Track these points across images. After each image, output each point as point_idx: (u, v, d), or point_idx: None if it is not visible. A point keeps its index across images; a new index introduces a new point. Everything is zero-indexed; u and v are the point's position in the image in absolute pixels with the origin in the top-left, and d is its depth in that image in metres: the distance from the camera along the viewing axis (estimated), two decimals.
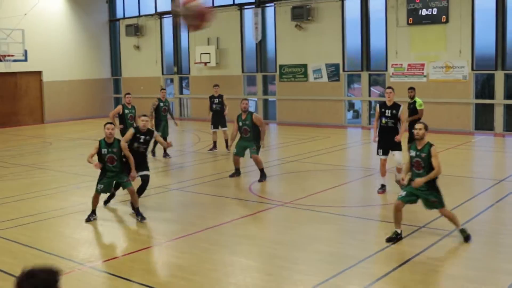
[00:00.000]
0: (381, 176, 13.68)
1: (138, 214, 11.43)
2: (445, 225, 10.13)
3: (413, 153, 9.68)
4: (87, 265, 8.90)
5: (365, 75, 28.36)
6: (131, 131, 12.23)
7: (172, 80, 35.75)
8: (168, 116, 19.77)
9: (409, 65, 26.62)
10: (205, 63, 32.44)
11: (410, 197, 9.71)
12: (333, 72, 28.81)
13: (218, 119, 20.82)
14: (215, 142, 20.78)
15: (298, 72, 29.89)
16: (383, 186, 13.66)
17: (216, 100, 21.01)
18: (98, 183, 11.45)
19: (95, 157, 11.43)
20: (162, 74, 35.66)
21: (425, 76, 26.29)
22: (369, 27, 28.07)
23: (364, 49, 28.17)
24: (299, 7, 29.05)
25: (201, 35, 32.76)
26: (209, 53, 32.28)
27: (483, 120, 25.70)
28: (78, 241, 10.24)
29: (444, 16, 25.48)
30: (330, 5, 28.63)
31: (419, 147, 9.64)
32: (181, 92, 35.41)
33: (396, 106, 13.42)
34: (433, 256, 9.09)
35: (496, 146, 22.60)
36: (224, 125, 20.82)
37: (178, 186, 14.85)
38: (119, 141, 11.50)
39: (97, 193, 11.46)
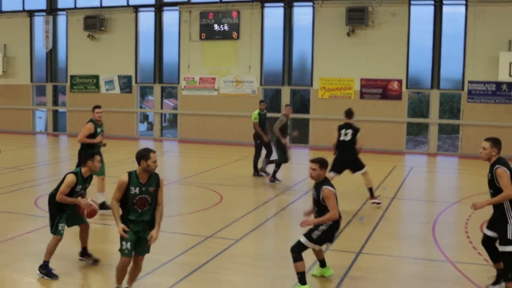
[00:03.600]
0: None
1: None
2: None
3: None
4: None
5: (157, 88, 28.35)
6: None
7: None
8: None
9: (200, 78, 27.04)
10: None
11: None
12: (126, 84, 28.47)
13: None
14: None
15: (89, 83, 29.14)
16: None
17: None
18: (58, 223, 8.69)
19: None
20: None
21: (216, 90, 26.85)
22: (163, 40, 28.13)
23: (157, 62, 28.18)
24: (92, 17, 28.37)
25: None
26: None
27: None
28: None
29: (235, 33, 26.25)
30: (124, 16, 28.30)
31: None
32: None
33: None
34: (219, 264, 9.19)
35: None
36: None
37: None
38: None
39: (60, 235, 8.72)
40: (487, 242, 8.27)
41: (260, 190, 16.23)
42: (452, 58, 24.15)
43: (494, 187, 7.90)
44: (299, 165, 21.94)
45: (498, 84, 23.21)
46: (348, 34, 24.66)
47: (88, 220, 8.99)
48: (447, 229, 12.17)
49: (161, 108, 28.69)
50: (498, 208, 7.89)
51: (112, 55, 28.55)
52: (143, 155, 7.41)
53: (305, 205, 14.40)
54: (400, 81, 24.45)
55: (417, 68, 24.75)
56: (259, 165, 17.80)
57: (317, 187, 8.15)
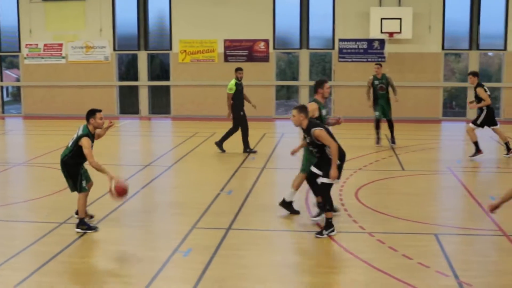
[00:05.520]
0: None
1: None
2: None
3: None
4: None
5: None
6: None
7: None
8: None
9: (45, 45, 26.24)
10: None
11: None
12: None
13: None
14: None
15: None
16: None
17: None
18: (81, 181, 10.25)
19: None
20: None
21: (64, 58, 26.19)
22: None
23: None
24: None
25: None
26: None
27: (128, 103, 26.53)
28: None
29: None
30: None
31: None
32: None
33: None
34: (75, 252, 9.10)
35: (143, 129, 23.55)
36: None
37: None
38: None
39: (86, 191, 10.34)
40: (312, 178, 10.38)
41: (118, 167, 16.09)
42: (321, 15, 24.83)
43: (317, 146, 9.86)
44: (161, 137, 21.98)
45: (370, 42, 24.15)
46: None
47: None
48: None
49: (1, 80, 27.66)
50: (324, 154, 9.83)
51: None
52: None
53: (169, 181, 14.52)
54: (267, 41, 24.88)
55: (285, 27, 25.27)
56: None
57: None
